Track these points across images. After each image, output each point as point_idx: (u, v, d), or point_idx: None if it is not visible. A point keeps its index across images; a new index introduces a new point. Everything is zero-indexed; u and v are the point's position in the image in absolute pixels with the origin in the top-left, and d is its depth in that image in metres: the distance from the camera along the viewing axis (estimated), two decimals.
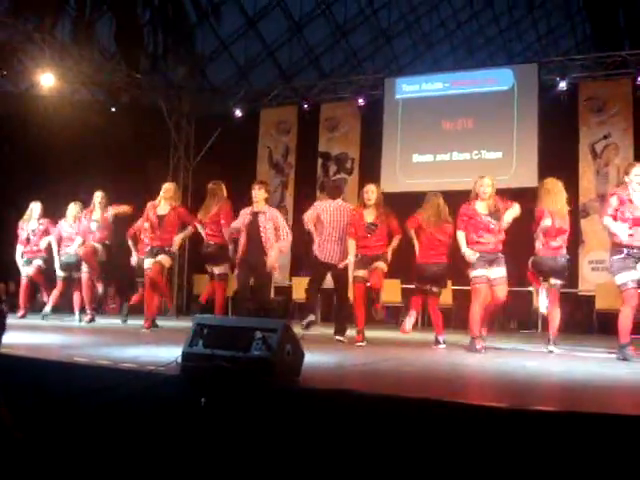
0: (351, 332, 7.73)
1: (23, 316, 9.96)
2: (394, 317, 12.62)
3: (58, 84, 13.27)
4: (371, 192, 7.78)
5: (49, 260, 10.17)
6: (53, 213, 10.34)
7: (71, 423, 3.89)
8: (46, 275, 10.29)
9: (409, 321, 7.89)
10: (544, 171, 12.42)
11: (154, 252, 8.74)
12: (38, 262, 10.21)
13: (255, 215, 8.07)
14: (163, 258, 8.72)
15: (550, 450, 3.02)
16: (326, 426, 3.44)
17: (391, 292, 11.81)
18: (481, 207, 7.09)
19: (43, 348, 5.73)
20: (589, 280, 12.37)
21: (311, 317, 7.89)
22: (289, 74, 17.17)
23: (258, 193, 8.13)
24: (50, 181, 12.15)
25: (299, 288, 11.66)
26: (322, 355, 5.91)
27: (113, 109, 14.80)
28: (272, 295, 12.63)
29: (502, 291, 6.99)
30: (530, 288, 11.51)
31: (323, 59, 17.72)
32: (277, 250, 7.96)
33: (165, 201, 8.86)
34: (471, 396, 4.00)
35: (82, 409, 3.91)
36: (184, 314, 14.48)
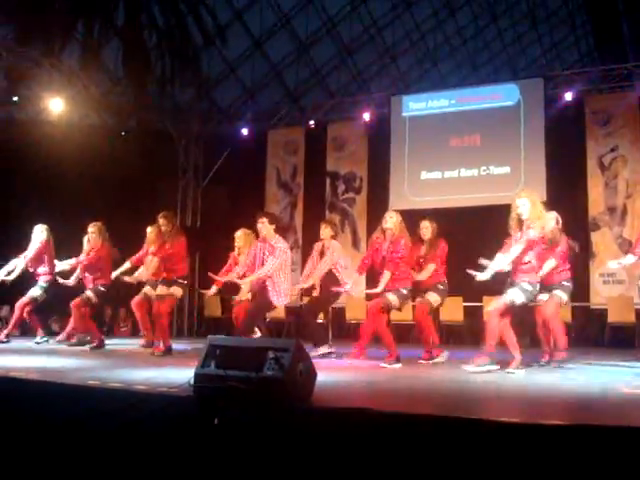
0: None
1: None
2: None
3: (67, 109, 13.38)
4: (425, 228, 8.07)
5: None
6: (62, 239, 10.24)
7: (85, 446, 3.90)
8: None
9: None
10: (552, 185, 12.46)
11: None
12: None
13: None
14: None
15: (565, 464, 3.01)
16: (340, 445, 3.44)
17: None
18: None
19: (56, 372, 5.75)
20: (600, 293, 12.33)
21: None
22: (296, 94, 17.21)
23: (324, 231, 8.80)
24: (60, 207, 12.21)
25: None
26: (334, 374, 5.91)
27: (123, 133, 14.88)
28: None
29: None
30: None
31: (329, 79, 17.76)
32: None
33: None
34: (483, 412, 3.99)
35: (96, 432, 3.91)
36: (195, 336, 14.51)
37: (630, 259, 7.38)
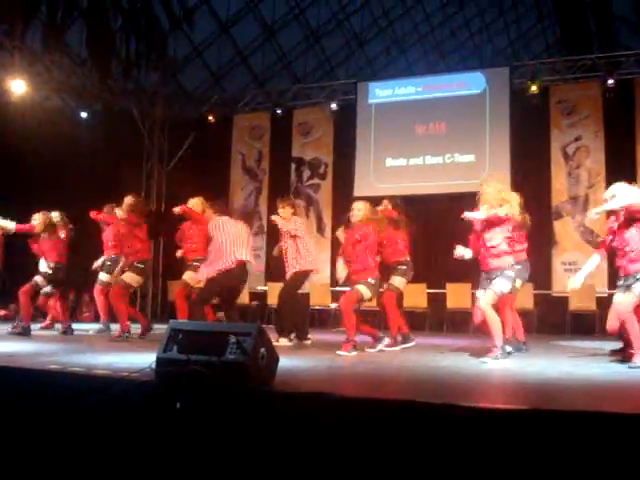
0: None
1: None
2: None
3: (29, 91, 13.15)
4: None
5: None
6: (21, 222, 9.97)
7: (45, 430, 3.86)
8: None
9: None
10: (516, 174, 12.56)
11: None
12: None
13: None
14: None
15: (523, 448, 3.05)
16: (301, 429, 3.44)
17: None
18: None
19: (15, 356, 5.69)
20: (562, 281, 12.45)
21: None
22: (262, 79, 17.14)
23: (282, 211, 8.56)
24: (20, 189, 12.03)
25: (274, 293, 11.55)
26: (296, 359, 5.91)
27: (85, 115, 14.70)
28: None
29: None
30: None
31: (296, 64, 17.70)
32: None
33: None
34: (446, 397, 4.01)
35: (56, 416, 3.88)
36: (157, 321, 14.40)
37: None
